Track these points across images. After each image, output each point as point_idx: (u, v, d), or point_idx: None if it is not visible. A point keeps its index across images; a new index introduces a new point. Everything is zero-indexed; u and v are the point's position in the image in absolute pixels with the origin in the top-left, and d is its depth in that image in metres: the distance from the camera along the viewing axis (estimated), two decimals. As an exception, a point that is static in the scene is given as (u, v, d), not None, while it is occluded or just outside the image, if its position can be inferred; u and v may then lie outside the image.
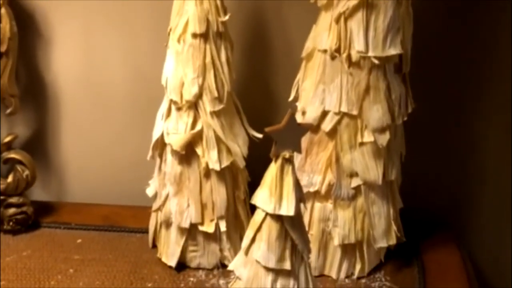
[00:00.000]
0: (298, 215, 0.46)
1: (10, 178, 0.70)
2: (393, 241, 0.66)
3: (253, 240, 0.48)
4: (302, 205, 0.47)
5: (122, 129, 0.79)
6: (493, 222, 0.81)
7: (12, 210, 0.71)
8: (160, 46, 0.63)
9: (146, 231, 0.72)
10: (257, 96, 0.73)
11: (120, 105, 0.77)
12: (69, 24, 0.73)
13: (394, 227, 0.65)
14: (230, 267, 0.51)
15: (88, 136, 0.80)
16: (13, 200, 0.71)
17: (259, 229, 0.47)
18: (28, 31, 0.74)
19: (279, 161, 0.44)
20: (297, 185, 0.45)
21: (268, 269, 0.47)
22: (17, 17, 0.71)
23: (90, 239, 0.73)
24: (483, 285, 0.75)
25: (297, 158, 0.63)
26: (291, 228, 0.46)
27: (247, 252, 0.49)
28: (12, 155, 0.69)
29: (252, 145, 0.66)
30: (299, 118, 0.63)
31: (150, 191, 0.69)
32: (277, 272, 0.47)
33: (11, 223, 0.71)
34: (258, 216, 0.47)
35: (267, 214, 0.46)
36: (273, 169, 0.45)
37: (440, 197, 0.79)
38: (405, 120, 0.62)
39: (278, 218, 0.46)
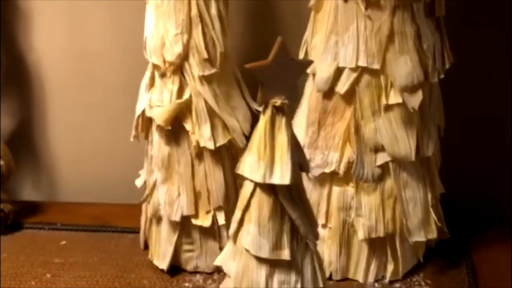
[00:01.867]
0: (297, 185, 0.35)
1: (-18, 171, 0.62)
2: (433, 234, 0.53)
3: (241, 222, 0.37)
4: (303, 174, 0.36)
5: (113, 114, 0.70)
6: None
7: (-13, 208, 0.63)
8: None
9: (139, 231, 0.62)
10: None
11: (112, 86, 0.69)
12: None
13: (433, 217, 0.53)
14: (216, 262, 0.40)
15: (77, 124, 0.72)
16: (-12, 196, 0.63)
17: (247, 207, 0.36)
18: (5, 7, 0.67)
19: (268, 111, 0.33)
20: (295, 144, 0.34)
21: (260, 259, 0.36)
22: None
23: (76, 241, 0.64)
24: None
25: (308, 131, 0.52)
26: (288, 204, 0.35)
27: (235, 238, 0.37)
28: (-16, 143, 0.62)
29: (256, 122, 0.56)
30: (309, 82, 0.52)
31: (139, 182, 0.60)
32: (273, 264, 0.36)
33: (-14, 223, 0.63)
34: (246, 189, 0.36)
35: (256, 185, 0.35)
36: (261, 123, 0.34)
37: (493, 184, 0.66)
38: (442, 80, 0.50)
39: (270, 189, 0.35)
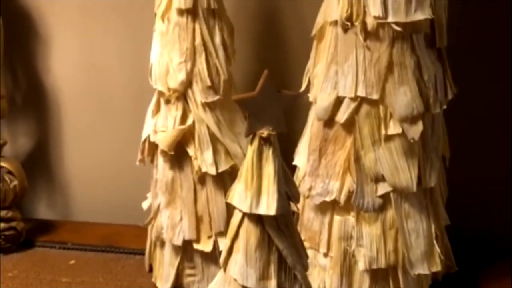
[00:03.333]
0: (285, 215, 0.35)
1: (-4, 189, 0.64)
2: (437, 267, 0.52)
3: (230, 251, 0.37)
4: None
5: (125, 138, 0.71)
6: None
7: (1, 225, 0.64)
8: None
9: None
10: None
11: (125, 110, 0.71)
12: (67, 24, 0.69)
13: (437, 249, 0.51)
14: (209, 289, 0.40)
15: (91, 145, 0.74)
16: (2, 214, 0.64)
17: (236, 236, 0.36)
18: (26, 33, 0.70)
19: (255, 142, 0.34)
20: (283, 174, 0.34)
21: (247, 289, 0.36)
22: (13, 18, 0.68)
23: (84, 261, 0.65)
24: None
25: (310, 160, 0.52)
26: (275, 234, 0.35)
27: (225, 267, 0.38)
28: (1, 163, 0.63)
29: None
30: (312, 110, 0.52)
31: (145, 204, 0.60)
32: (260, 294, 0.36)
33: (0, 240, 0.65)
34: (235, 218, 0.36)
35: (244, 215, 0.35)
36: (248, 154, 0.35)
37: (503, 217, 0.64)
38: (446, 111, 0.50)
39: (257, 219, 0.35)
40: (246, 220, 0.35)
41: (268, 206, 0.34)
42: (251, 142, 0.34)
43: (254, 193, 0.34)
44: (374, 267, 0.51)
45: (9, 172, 0.64)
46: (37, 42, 0.70)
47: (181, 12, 0.49)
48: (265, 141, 0.33)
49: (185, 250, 0.56)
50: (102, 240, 0.69)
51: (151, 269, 0.62)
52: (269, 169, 0.34)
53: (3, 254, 0.67)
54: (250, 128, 0.33)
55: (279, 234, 0.35)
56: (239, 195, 0.35)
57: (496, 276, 0.58)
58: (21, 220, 0.66)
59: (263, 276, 0.35)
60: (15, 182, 0.64)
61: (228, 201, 0.36)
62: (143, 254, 0.64)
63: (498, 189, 0.63)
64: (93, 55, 0.69)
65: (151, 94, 0.67)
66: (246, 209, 0.34)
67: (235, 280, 0.36)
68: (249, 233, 0.35)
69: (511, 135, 0.62)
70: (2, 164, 0.64)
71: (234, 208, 0.37)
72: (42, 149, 0.75)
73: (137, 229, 0.72)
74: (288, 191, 0.35)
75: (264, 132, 0.33)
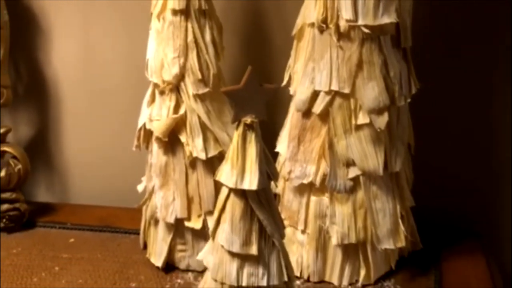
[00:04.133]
0: (265, 191, 0.41)
1: (2, 173, 0.68)
2: (401, 243, 0.58)
3: (218, 222, 0.42)
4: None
5: (121, 125, 0.76)
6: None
7: (5, 206, 0.69)
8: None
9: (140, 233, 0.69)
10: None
11: (122, 101, 0.76)
12: (67, 18, 0.73)
13: (402, 227, 0.58)
14: (199, 257, 0.46)
15: (89, 133, 0.78)
16: (6, 195, 0.69)
17: (223, 209, 0.42)
18: (26, 26, 0.74)
19: (240, 128, 0.39)
20: (263, 156, 0.40)
21: (232, 254, 0.41)
22: (16, 13, 0.71)
23: (83, 239, 0.70)
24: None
25: (289, 146, 0.58)
26: (257, 206, 0.40)
27: (213, 236, 0.43)
28: (5, 148, 0.68)
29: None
30: (292, 102, 0.58)
31: (140, 187, 0.66)
32: (243, 258, 0.41)
33: (4, 220, 0.70)
34: (222, 194, 0.42)
35: (230, 190, 0.41)
36: (234, 138, 0.40)
37: (466, 199, 0.70)
38: (412, 104, 0.56)
39: (241, 194, 0.41)
40: (232, 195, 0.41)
41: (250, 182, 0.39)
42: (237, 128, 0.39)
43: (239, 171, 0.40)
44: (346, 242, 0.58)
45: (14, 157, 0.69)
46: (39, 36, 0.75)
47: (175, 12, 0.55)
48: (248, 127, 0.39)
49: (177, 228, 0.61)
50: (99, 221, 0.74)
51: (145, 247, 0.67)
52: (252, 151, 0.39)
53: (7, 233, 0.72)
54: (236, 116, 0.38)
55: (260, 207, 0.40)
56: (226, 173, 0.40)
57: (457, 253, 0.65)
58: (24, 202, 0.71)
59: (246, 242, 0.41)
60: (19, 166, 0.69)
61: (217, 179, 0.42)
62: (137, 234, 0.70)
63: (460, 174, 0.70)
64: (92, 49, 0.74)
65: (145, 85, 0.72)
66: (232, 185, 0.40)
67: (222, 246, 0.42)
68: (234, 206, 0.41)
69: (470, 126, 0.68)
70: (7, 149, 0.69)
71: (221, 186, 0.43)
72: (42, 136, 0.80)
73: (131, 212, 0.77)
74: (268, 170, 0.41)
75: (248, 120, 0.39)
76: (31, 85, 0.77)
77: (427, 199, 0.64)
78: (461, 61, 0.66)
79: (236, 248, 0.41)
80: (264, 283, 0.41)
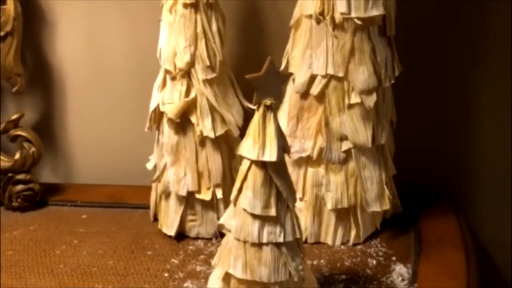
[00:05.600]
0: (281, 162, 0.48)
1: (17, 155, 0.73)
2: (386, 206, 0.67)
3: (240, 190, 0.50)
4: (286, 156, 0.49)
5: (124, 109, 0.81)
6: (492, 194, 0.81)
7: (19, 187, 0.74)
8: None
9: (148, 207, 0.74)
10: (251, 70, 0.75)
11: (124, 86, 0.80)
12: (72, 8, 0.77)
13: (387, 192, 0.66)
14: (220, 221, 0.53)
15: (93, 117, 0.83)
16: (21, 177, 0.74)
17: (245, 178, 0.49)
18: (32, 16, 0.77)
19: (261, 109, 0.46)
20: (280, 132, 0.47)
21: (254, 216, 0.49)
22: (23, 4, 0.74)
23: (94, 215, 0.76)
24: (482, 259, 0.75)
25: (289, 124, 0.65)
26: (275, 175, 0.48)
27: (235, 202, 0.50)
28: (19, 132, 0.73)
29: (248, 118, 0.67)
30: (290, 86, 0.65)
31: (149, 165, 0.72)
32: (263, 219, 0.49)
33: (19, 200, 0.74)
34: (243, 166, 0.49)
35: (251, 162, 0.48)
36: (255, 117, 0.47)
37: (438, 169, 0.80)
38: (394, 86, 0.64)
39: (262, 165, 0.48)
40: (253, 166, 0.48)
41: (271, 155, 0.47)
42: (258, 109, 0.46)
43: (260, 146, 0.47)
44: (339, 207, 0.65)
45: (27, 140, 0.73)
46: (44, 25, 0.78)
47: (185, 5, 0.60)
48: (268, 108, 0.46)
49: (188, 200, 0.68)
50: (107, 198, 0.79)
51: (155, 219, 0.73)
52: (271, 128, 0.46)
53: (21, 212, 0.77)
54: (258, 98, 0.45)
55: (278, 175, 0.48)
56: (248, 148, 0.47)
57: (431, 214, 0.73)
58: (37, 183, 0.76)
59: (266, 206, 0.48)
60: (33, 149, 0.73)
61: (239, 153, 0.49)
62: (145, 208, 0.76)
63: (435, 145, 0.78)
64: (96, 37, 0.78)
65: (148, 71, 0.77)
66: (254, 158, 0.47)
67: (245, 210, 0.49)
68: (256, 175, 0.48)
69: (444, 103, 0.77)
70: (21, 133, 0.73)
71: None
72: (47, 121, 0.84)
73: (137, 188, 0.83)
74: (283, 145, 0.48)
75: (268, 102, 0.46)
76: (36, 72, 0.81)
77: (405, 168, 0.73)
78: (438, 45, 0.74)
79: (257, 211, 0.48)
80: (281, 239, 0.49)
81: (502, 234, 0.82)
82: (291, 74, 0.46)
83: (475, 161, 0.80)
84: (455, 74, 0.76)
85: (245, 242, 0.49)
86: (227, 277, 0.52)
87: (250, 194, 0.48)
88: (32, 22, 0.78)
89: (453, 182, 0.81)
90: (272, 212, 0.48)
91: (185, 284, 0.61)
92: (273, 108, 0.46)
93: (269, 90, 0.45)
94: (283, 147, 0.48)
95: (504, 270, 0.84)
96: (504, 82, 0.75)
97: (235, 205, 0.50)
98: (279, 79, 0.45)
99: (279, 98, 0.46)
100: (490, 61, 0.74)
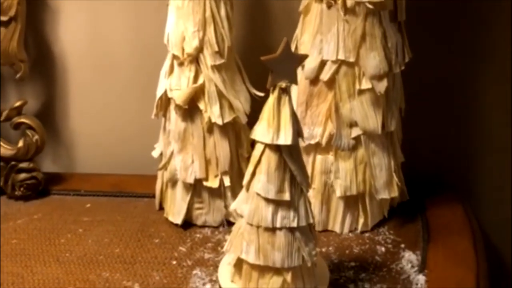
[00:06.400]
0: (296, 146, 0.47)
1: (20, 143, 0.72)
2: (395, 193, 0.66)
3: (253, 174, 0.49)
4: (300, 139, 0.48)
5: (129, 99, 0.81)
6: (497, 184, 0.81)
7: (23, 175, 0.73)
8: (166, 13, 0.64)
9: (153, 196, 0.73)
10: (258, 56, 0.74)
11: (127, 73, 0.79)
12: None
13: (395, 179, 0.66)
14: (232, 207, 0.52)
15: (96, 106, 0.82)
16: (24, 165, 0.73)
17: (258, 162, 0.48)
18: (35, 3, 0.76)
19: (276, 91, 0.46)
20: (294, 116, 0.47)
21: (268, 200, 0.48)
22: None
23: (99, 204, 0.75)
24: (486, 247, 0.75)
25: (298, 111, 0.64)
26: (289, 159, 0.47)
27: (248, 187, 0.50)
28: (22, 119, 0.71)
29: (254, 106, 0.67)
30: (298, 72, 0.64)
31: (155, 153, 0.71)
32: (277, 204, 0.48)
33: (22, 189, 0.73)
34: (257, 150, 0.49)
35: (265, 146, 0.48)
36: (270, 100, 0.46)
37: (443, 158, 0.79)
38: (404, 73, 0.63)
39: (276, 149, 0.47)
40: (267, 150, 0.47)
41: (285, 138, 0.46)
42: (272, 91, 0.46)
43: (275, 129, 0.46)
44: (348, 194, 0.65)
45: (30, 128, 0.72)
46: (46, 12, 0.77)
47: (194, -11, 0.60)
48: (283, 90, 0.45)
49: (195, 188, 0.67)
50: (111, 187, 0.78)
51: (160, 208, 0.73)
52: (286, 111, 0.46)
53: (24, 201, 0.76)
54: (273, 81, 0.44)
55: (292, 159, 0.47)
56: (262, 132, 0.47)
57: (438, 202, 0.73)
58: (40, 171, 0.75)
59: (280, 190, 0.48)
60: (36, 137, 0.72)
61: (252, 137, 0.48)
62: (150, 197, 0.75)
63: (443, 133, 0.78)
64: (100, 24, 0.77)
65: (152, 58, 0.76)
66: (269, 141, 0.46)
67: (258, 194, 0.48)
68: (270, 159, 0.47)
69: (452, 91, 0.77)
70: (24, 120, 0.72)
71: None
72: (48, 110, 0.82)
73: (140, 178, 0.82)
74: (297, 128, 0.47)
75: (283, 84, 0.45)
76: (38, 60, 0.79)
77: (412, 156, 0.72)
78: (448, 32, 0.74)
79: (271, 195, 0.48)
80: (295, 224, 0.49)
81: (507, 223, 0.82)
82: (306, 56, 0.45)
83: (480, 150, 0.80)
84: (464, 62, 0.75)
85: (258, 227, 0.49)
86: (239, 263, 0.51)
87: (263, 178, 0.47)
88: (35, 9, 0.76)
89: (457, 170, 0.81)
90: (286, 196, 0.48)
91: (194, 272, 0.61)
92: (288, 91, 0.45)
93: (284, 72, 0.44)
94: (297, 131, 0.47)
95: (508, 258, 0.85)
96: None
97: (247, 190, 0.50)
98: (295, 61, 0.44)
99: (294, 80, 0.45)
100: (502, 49, 0.74)
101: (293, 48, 0.65)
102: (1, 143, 0.73)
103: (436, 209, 0.73)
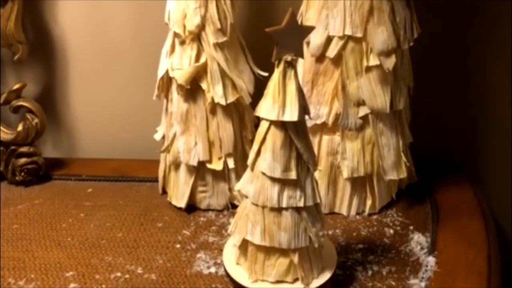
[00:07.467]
0: (302, 123, 0.46)
1: (20, 127, 0.70)
2: (403, 174, 0.65)
3: (258, 153, 0.47)
4: (306, 116, 0.46)
5: (130, 81, 0.79)
6: (507, 166, 0.79)
7: (23, 160, 0.72)
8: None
9: (155, 181, 0.72)
10: (262, 35, 0.73)
11: (127, 56, 0.78)
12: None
13: (404, 159, 0.64)
14: (236, 187, 0.51)
15: (96, 90, 0.80)
16: (24, 149, 0.71)
17: (263, 140, 0.47)
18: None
19: (281, 65, 0.44)
20: (301, 91, 0.45)
21: (273, 179, 0.47)
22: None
23: (100, 188, 0.73)
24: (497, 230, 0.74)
25: (303, 90, 0.62)
26: (295, 136, 0.46)
27: (252, 167, 0.48)
28: (21, 102, 0.70)
29: (258, 86, 0.65)
30: (304, 49, 0.62)
31: (157, 136, 0.69)
32: (283, 183, 0.47)
33: (22, 174, 0.72)
34: (262, 127, 0.47)
35: (271, 123, 0.46)
36: (275, 75, 0.45)
37: (452, 138, 0.77)
38: (412, 50, 0.61)
39: (282, 125, 0.46)
40: (272, 127, 0.46)
41: (291, 114, 0.44)
42: (277, 65, 0.44)
43: (280, 105, 0.44)
44: (355, 175, 0.64)
45: (30, 111, 0.71)
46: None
47: (196, -35, 0.58)
48: (289, 64, 0.43)
49: (198, 170, 0.65)
50: (112, 171, 0.77)
51: (163, 192, 0.71)
52: (292, 86, 0.44)
53: (24, 186, 0.74)
54: (278, 54, 0.43)
55: (298, 137, 0.45)
56: (267, 108, 0.45)
57: (447, 184, 0.71)
58: (41, 156, 0.73)
59: (286, 169, 0.46)
60: (36, 120, 0.71)
61: (256, 114, 0.46)
62: (152, 181, 0.74)
63: (452, 114, 0.76)
64: (100, 5, 0.75)
65: (153, 40, 0.74)
66: (274, 118, 0.45)
67: (263, 173, 0.47)
68: (275, 137, 0.45)
69: (464, 69, 0.74)
70: (23, 103, 0.70)
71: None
72: (48, 94, 0.81)
73: (142, 162, 0.81)
74: (303, 105, 0.45)
75: (288, 57, 0.43)
76: (37, 43, 0.78)
77: (421, 137, 0.71)
78: (458, 8, 0.71)
79: (277, 174, 0.46)
80: (301, 204, 0.47)
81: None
82: (313, 27, 0.44)
83: (489, 130, 0.78)
84: (474, 41, 0.73)
85: (263, 207, 0.47)
86: (244, 244, 0.50)
87: (269, 156, 0.46)
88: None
89: (466, 151, 0.79)
90: (293, 175, 0.46)
91: (198, 255, 0.60)
92: (294, 65, 0.44)
93: (290, 44, 0.42)
94: (304, 107, 0.46)
95: (516, 241, 0.83)
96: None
97: (252, 169, 0.48)
98: (301, 33, 0.43)
99: (300, 53, 0.44)
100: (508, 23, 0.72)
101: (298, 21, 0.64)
102: (1, 127, 0.72)
103: (445, 191, 0.71)
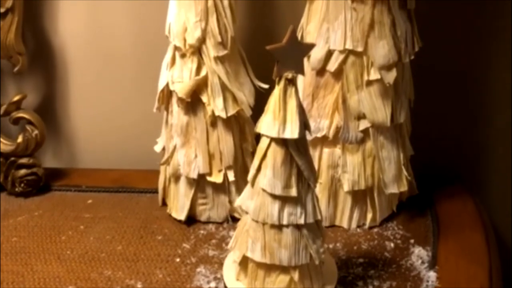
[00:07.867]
0: (303, 139, 0.46)
1: (20, 139, 0.70)
2: (404, 187, 0.65)
3: (258, 169, 0.47)
4: (307, 132, 0.46)
5: (130, 92, 0.79)
6: (508, 178, 0.79)
7: (22, 171, 0.71)
8: (168, 3, 0.62)
9: (156, 192, 0.72)
10: (262, 47, 0.72)
11: (128, 67, 0.77)
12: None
13: (405, 173, 0.64)
14: (237, 203, 0.51)
15: (96, 100, 0.80)
16: (24, 161, 0.71)
17: (264, 156, 0.47)
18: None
19: (282, 82, 0.44)
20: (301, 108, 0.45)
21: (274, 196, 0.46)
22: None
23: (100, 200, 0.73)
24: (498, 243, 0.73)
25: (304, 103, 0.62)
26: (296, 153, 0.45)
27: (253, 182, 0.48)
28: (21, 114, 0.70)
29: (258, 98, 0.65)
30: (305, 63, 0.62)
31: (158, 147, 0.69)
32: (284, 200, 0.47)
33: (22, 185, 0.72)
34: (263, 143, 0.47)
35: (271, 140, 0.46)
36: (276, 91, 0.45)
37: (452, 151, 0.77)
38: (412, 60, 0.61)
39: (282, 142, 0.45)
40: (273, 144, 0.45)
41: (292, 131, 0.44)
42: (278, 82, 0.44)
43: (281, 122, 0.44)
44: (356, 188, 0.63)
45: (30, 123, 0.71)
46: (45, 3, 0.75)
47: (196, -22, 0.58)
48: (289, 81, 0.43)
49: (198, 183, 0.65)
50: (113, 182, 0.77)
51: (163, 204, 0.71)
52: (292, 103, 0.44)
53: (24, 198, 0.74)
54: (278, 71, 0.42)
55: (299, 154, 0.45)
56: (267, 125, 0.45)
57: (447, 196, 0.71)
58: (40, 167, 0.73)
59: (287, 186, 0.46)
60: (36, 132, 0.70)
61: (257, 130, 0.46)
62: (152, 192, 0.73)
63: (452, 126, 0.76)
64: (100, 15, 0.75)
65: (153, 51, 0.74)
66: (274, 135, 0.44)
67: (264, 190, 0.46)
68: (276, 153, 0.45)
69: (463, 83, 0.74)
70: (23, 115, 0.70)
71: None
72: (48, 104, 0.80)
73: (142, 173, 0.80)
74: (304, 121, 0.45)
75: (289, 75, 0.43)
76: (37, 53, 0.77)
77: (421, 149, 0.70)
78: (459, 21, 0.72)
79: (278, 191, 0.46)
80: (302, 221, 0.47)
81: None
82: (314, 44, 0.44)
83: (490, 143, 0.78)
84: (475, 53, 0.73)
85: (264, 223, 0.47)
86: (244, 261, 0.50)
87: (269, 173, 0.46)
88: (33, 0, 0.74)
89: (467, 164, 0.78)
90: (293, 192, 0.46)
91: (198, 269, 0.59)
92: (295, 82, 0.43)
93: (291, 62, 0.42)
94: (304, 124, 0.45)
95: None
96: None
97: (252, 185, 0.48)
98: (301, 50, 0.43)
99: (301, 70, 0.43)
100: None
101: (298, 38, 0.64)
102: (1, 139, 0.72)
103: (445, 203, 0.71)
